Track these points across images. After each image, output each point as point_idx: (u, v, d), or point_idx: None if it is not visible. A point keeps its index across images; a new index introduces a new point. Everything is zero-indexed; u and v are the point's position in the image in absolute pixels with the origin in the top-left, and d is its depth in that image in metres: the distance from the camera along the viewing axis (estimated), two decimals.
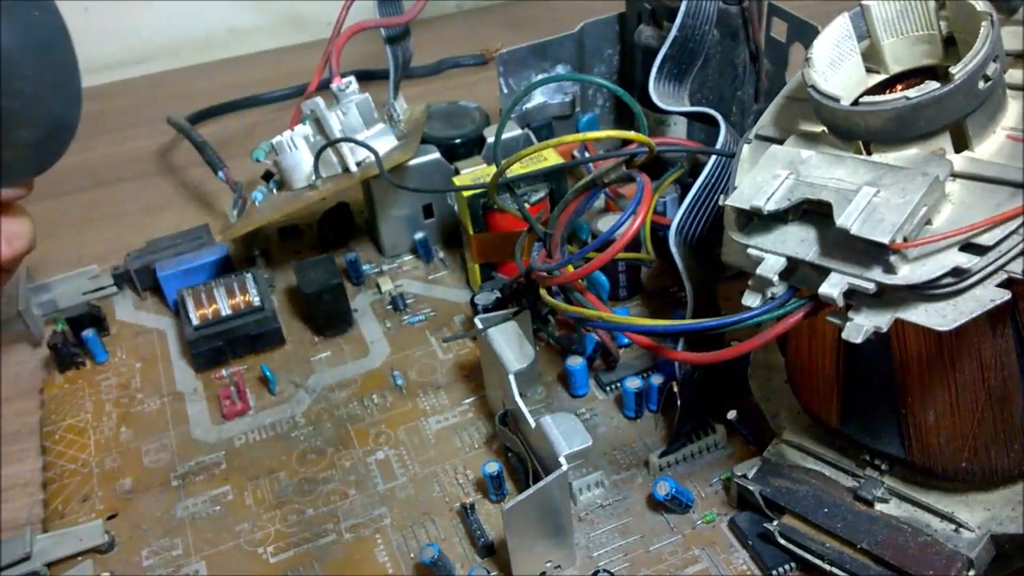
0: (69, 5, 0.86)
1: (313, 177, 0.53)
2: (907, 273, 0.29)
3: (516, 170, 0.50)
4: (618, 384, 0.49)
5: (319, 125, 0.53)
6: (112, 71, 0.90)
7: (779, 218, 0.32)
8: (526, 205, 0.52)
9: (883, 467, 0.39)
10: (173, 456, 0.49)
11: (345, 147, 0.52)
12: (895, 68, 0.34)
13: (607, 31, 0.61)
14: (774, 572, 0.39)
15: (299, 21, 0.93)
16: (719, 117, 0.43)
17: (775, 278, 0.32)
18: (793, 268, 0.32)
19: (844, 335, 0.30)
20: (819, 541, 0.38)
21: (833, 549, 0.38)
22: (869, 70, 0.34)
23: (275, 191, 0.56)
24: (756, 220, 0.33)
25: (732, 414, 0.45)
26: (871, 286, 0.30)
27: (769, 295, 0.33)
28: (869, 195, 0.30)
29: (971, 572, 0.35)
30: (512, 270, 0.55)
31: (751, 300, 0.33)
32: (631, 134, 0.41)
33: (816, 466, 0.41)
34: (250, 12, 0.92)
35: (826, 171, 0.32)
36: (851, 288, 0.30)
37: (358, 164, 0.53)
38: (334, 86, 0.53)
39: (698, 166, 0.52)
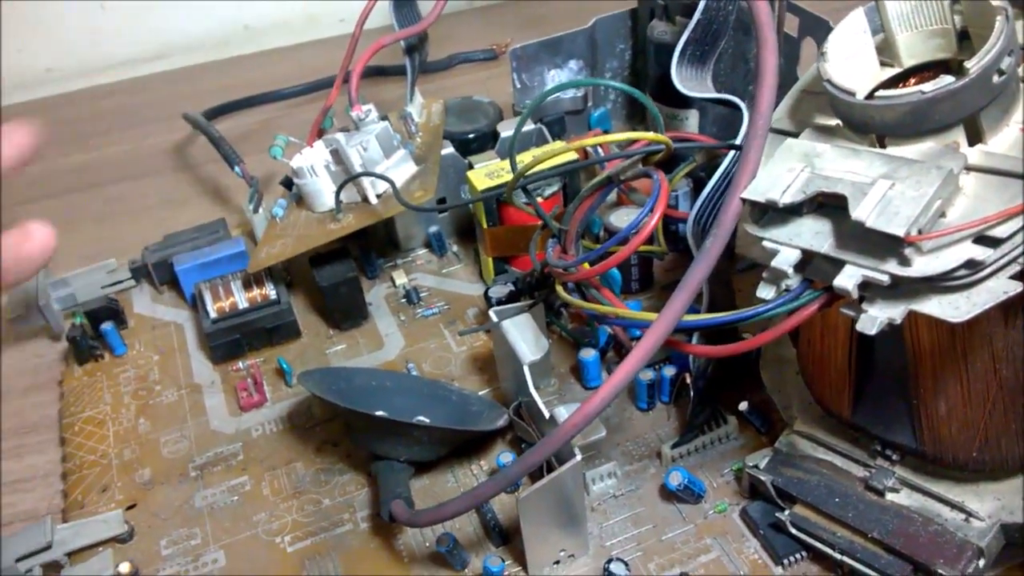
0: (85, 3, 0.87)
1: (335, 209, 0.53)
2: (921, 265, 0.29)
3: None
4: None
5: (339, 155, 0.53)
6: (129, 68, 0.91)
7: (794, 211, 0.33)
8: (539, 199, 0.52)
9: (894, 457, 0.39)
10: (191, 447, 0.49)
11: (365, 180, 0.52)
12: (909, 62, 0.34)
13: (619, 26, 0.62)
14: (785, 561, 0.40)
15: (314, 18, 0.94)
16: (742, 105, 0.43)
17: (790, 270, 0.32)
18: (807, 260, 0.33)
19: (858, 327, 0.31)
20: (830, 530, 0.39)
21: (844, 538, 0.38)
22: (883, 64, 0.35)
23: (294, 205, 0.56)
24: (771, 213, 0.33)
25: (743, 405, 0.45)
26: (885, 278, 0.30)
27: (784, 287, 0.33)
28: (884, 188, 0.30)
29: (981, 561, 0.36)
30: (525, 263, 0.55)
31: (766, 292, 0.33)
32: (649, 135, 0.41)
33: (827, 456, 0.41)
34: (266, 9, 0.93)
35: (841, 164, 0.32)
36: (865, 280, 0.30)
37: (378, 196, 0.53)
38: (354, 114, 0.54)
39: (712, 159, 0.52)
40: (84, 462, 0.49)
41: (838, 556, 0.38)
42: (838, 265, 0.31)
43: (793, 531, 0.39)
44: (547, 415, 0.42)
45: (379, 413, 0.45)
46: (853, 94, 0.32)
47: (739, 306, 0.47)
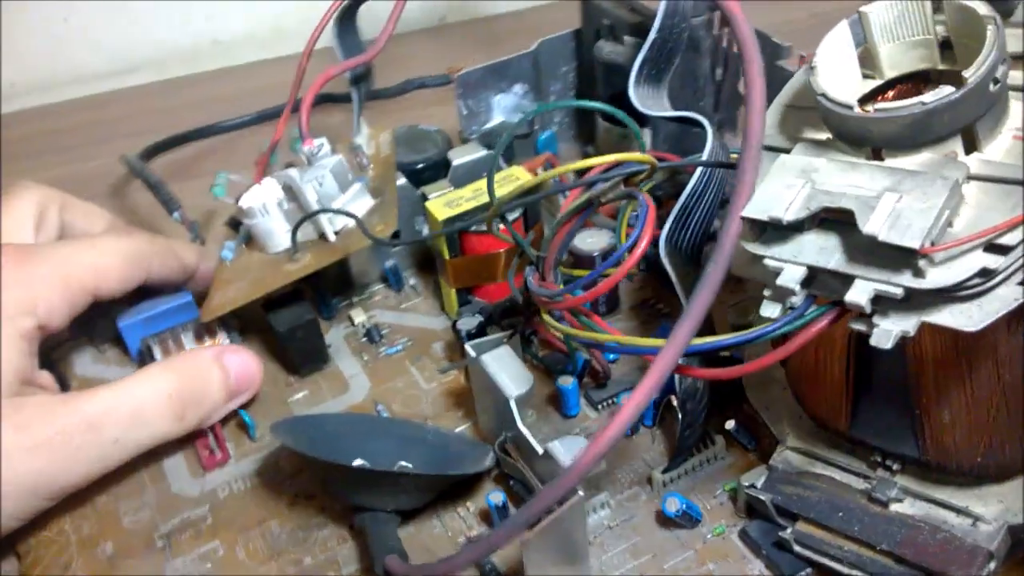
0: (50, 9, 0.83)
1: (291, 248, 0.51)
2: (935, 277, 0.29)
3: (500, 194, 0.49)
4: (612, 400, 0.48)
5: (292, 192, 0.51)
6: (96, 82, 0.87)
7: (795, 227, 0.32)
8: (500, 226, 0.51)
9: (895, 467, 0.39)
10: (154, 514, 0.46)
11: (323, 216, 0.50)
12: (890, 73, 0.35)
13: (563, 48, 0.61)
14: None
15: (284, 34, 0.91)
16: (705, 122, 0.43)
17: (797, 287, 0.32)
18: (812, 277, 0.32)
19: (872, 341, 0.30)
20: (836, 545, 0.38)
21: (852, 552, 0.38)
22: (864, 76, 0.35)
23: (244, 247, 0.53)
24: (770, 230, 0.33)
25: (731, 424, 0.45)
26: (899, 291, 0.30)
27: (789, 305, 0.33)
28: (892, 201, 0.30)
29: (993, 564, 0.36)
30: (489, 293, 0.54)
31: (771, 311, 0.33)
32: (635, 155, 0.40)
33: (825, 471, 0.41)
34: (235, 24, 0.91)
35: (841, 178, 0.32)
36: (877, 294, 0.30)
37: (336, 232, 0.51)
38: (305, 148, 0.52)
39: (673, 175, 0.52)
40: (40, 541, 0.45)
41: (847, 571, 0.38)
42: (847, 280, 0.31)
43: (798, 549, 0.39)
44: (540, 450, 0.41)
45: (358, 463, 0.43)
46: (850, 107, 0.31)
47: (715, 320, 0.47)
